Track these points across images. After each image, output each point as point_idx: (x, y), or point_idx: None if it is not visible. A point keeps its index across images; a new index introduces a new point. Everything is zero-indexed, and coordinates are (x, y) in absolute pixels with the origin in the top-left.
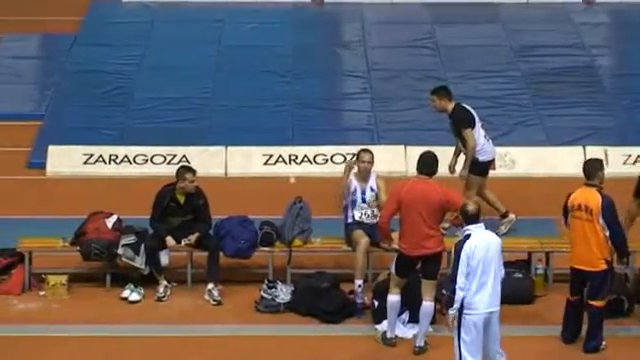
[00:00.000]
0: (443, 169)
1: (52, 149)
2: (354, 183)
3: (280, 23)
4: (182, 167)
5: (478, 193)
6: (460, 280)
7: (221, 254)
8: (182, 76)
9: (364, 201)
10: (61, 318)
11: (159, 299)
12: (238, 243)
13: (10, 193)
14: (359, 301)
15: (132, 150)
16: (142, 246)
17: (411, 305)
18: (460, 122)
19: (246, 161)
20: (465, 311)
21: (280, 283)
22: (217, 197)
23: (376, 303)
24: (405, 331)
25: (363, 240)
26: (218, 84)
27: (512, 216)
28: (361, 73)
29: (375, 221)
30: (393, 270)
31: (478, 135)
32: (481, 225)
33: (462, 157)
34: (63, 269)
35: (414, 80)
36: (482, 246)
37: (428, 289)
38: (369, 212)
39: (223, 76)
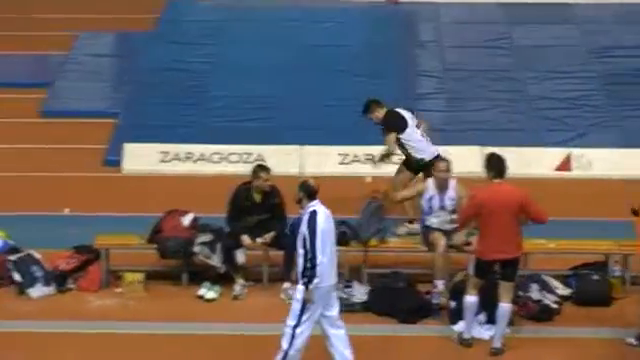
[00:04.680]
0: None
1: (128, 147)
2: (431, 191)
3: (355, 23)
4: (257, 165)
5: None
6: None
7: None
8: (258, 75)
9: (442, 208)
10: (137, 315)
11: (235, 297)
12: None
13: (86, 190)
14: (436, 301)
15: (208, 148)
16: (218, 244)
17: (488, 306)
18: None
19: (321, 160)
20: None
21: (356, 283)
22: (293, 196)
23: (453, 304)
24: (482, 332)
25: (441, 242)
26: (293, 83)
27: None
28: (436, 73)
29: (454, 226)
30: (471, 271)
31: None
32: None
33: None
34: (140, 267)
35: (489, 80)
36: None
37: (506, 291)
38: (447, 218)
39: (298, 75)
